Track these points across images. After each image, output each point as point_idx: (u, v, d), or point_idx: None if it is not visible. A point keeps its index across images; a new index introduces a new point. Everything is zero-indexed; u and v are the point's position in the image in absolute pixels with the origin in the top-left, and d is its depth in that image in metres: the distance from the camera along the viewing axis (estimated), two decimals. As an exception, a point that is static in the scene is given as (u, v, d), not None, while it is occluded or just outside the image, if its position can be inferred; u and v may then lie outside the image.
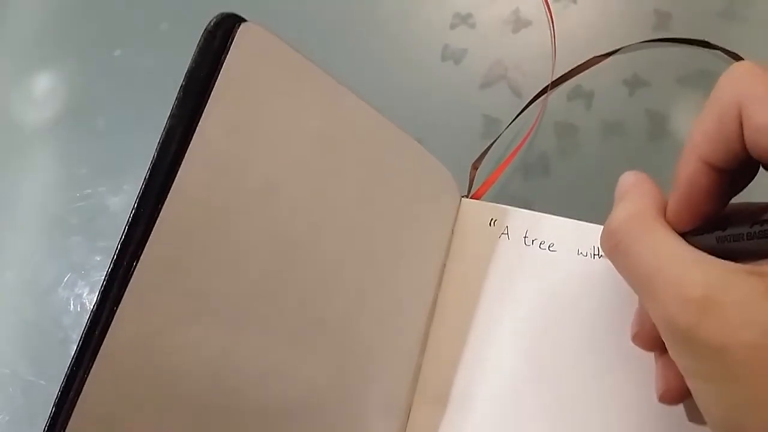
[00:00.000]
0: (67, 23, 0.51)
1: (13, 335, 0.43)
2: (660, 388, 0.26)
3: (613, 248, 0.24)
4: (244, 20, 0.22)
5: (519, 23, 0.43)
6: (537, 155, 0.39)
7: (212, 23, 0.22)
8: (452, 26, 0.44)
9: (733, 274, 0.20)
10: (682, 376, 0.22)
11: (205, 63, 0.22)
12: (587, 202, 0.34)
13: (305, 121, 0.25)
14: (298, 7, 0.47)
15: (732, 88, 0.21)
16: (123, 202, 0.45)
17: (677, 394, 0.25)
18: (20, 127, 0.49)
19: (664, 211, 0.24)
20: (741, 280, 0.20)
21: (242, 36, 0.22)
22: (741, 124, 0.21)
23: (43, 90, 0.50)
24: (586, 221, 0.34)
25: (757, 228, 0.21)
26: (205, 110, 0.22)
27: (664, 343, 0.23)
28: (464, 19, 0.44)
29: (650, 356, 0.29)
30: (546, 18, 0.43)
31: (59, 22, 0.52)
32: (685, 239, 0.22)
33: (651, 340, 0.26)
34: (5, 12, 0.53)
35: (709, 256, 0.21)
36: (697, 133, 0.22)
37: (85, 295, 0.43)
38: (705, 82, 0.39)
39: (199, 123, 0.22)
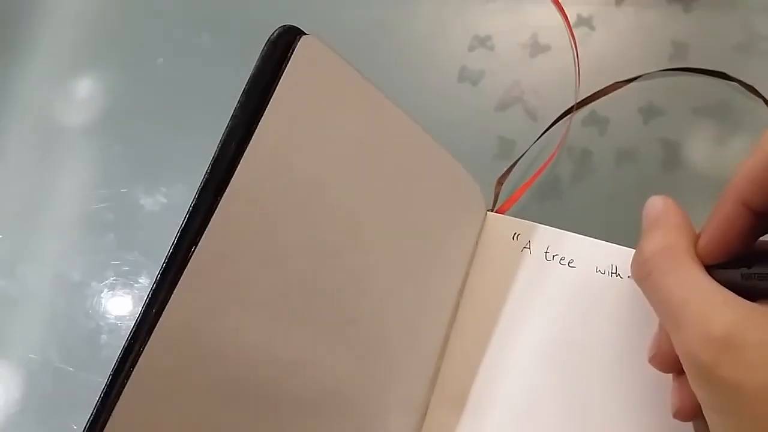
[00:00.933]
0: (111, 29, 0.54)
1: (45, 325, 0.45)
2: (674, 405, 0.27)
3: (644, 278, 0.25)
4: (304, 33, 0.24)
5: (537, 48, 0.44)
6: (551, 178, 0.41)
7: (275, 34, 0.24)
8: (471, 48, 0.45)
9: (757, 315, 0.21)
10: (695, 397, 0.23)
11: (267, 70, 0.24)
12: (597, 227, 0.36)
13: (351, 128, 0.26)
14: (321, 26, 0.49)
15: None
16: (158, 202, 0.47)
17: (691, 412, 0.27)
18: (61, 128, 0.51)
19: (694, 244, 0.25)
20: (762, 321, 0.21)
21: (302, 47, 0.24)
22: None
23: (85, 92, 0.52)
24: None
25: None
26: (264, 114, 0.23)
27: (679, 365, 0.24)
28: (483, 42, 0.45)
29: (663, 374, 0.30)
30: (564, 44, 0.44)
31: (104, 27, 0.54)
32: (710, 272, 0.24)
33: (667, 362, 0.27)
34: (53, 12, 0.55)
35: (736, 296, 0.22)
36: (741, 176, 0.24)
37: (117, 288, 0.45)
38: (720, 113, 0.41)
39: (258, 125, 0.23)
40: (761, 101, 0.40)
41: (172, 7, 0.52)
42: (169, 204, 0.46)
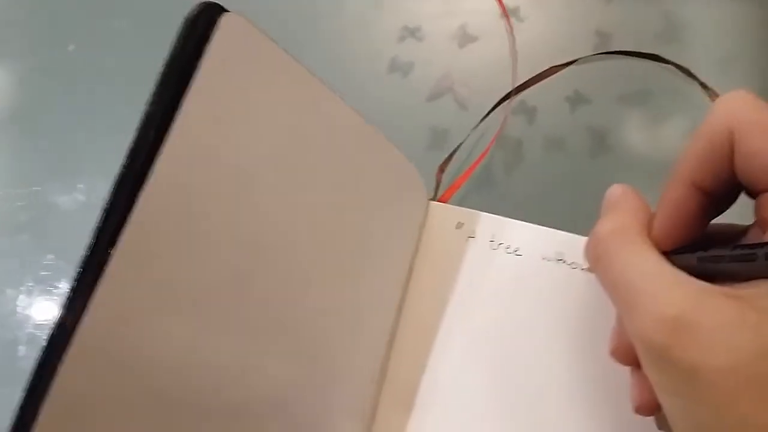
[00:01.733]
0: (14, 15, 0.50)
1: (-45, 338, 0.41)
2: (635, 399, 0.26)
3: (595, 260, 0.25)
4: (226, 10, 0.22)
5: (465, 38, 0.44)
6: (485, 167, 0.40)
7: (194, 12, 0.22)
8: (400, 39, 0.45)
9: (710, 296, 0.20)
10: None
11: (186, 51, 0.21)
12: (535, 215, 0.35)
13: (282, 114, 0.24)
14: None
15: (725, 113, 0.22)
16: (73, 200, 0.44)
17: (653, 406, 0.26)
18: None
19: (648, 228, 0.24)
20: (717, 302, 0.20)
21: (225, 26, 0.22)
22: (732, 149, 0.22)
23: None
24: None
25: (738, 251, 0.21)
26: (185, 98, 0.21)
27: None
28: (412, 32, 0.45)
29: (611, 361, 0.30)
30: (492, 34, 0.44)
31: (5, 13, 0.50)
32: (666, 258, 0.23)
33: (629, 355, 0.27)
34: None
35: (689, 277, 0.21)
36: (688, 155, 0.23)
37: (34, 295, 0.42)
38: (644, 99, 0.41)
39: (179, 111, 0.21)
40: (695, 83, 0.40)
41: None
42: (87, 202, 0.43)
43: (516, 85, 0.41)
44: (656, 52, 0.41)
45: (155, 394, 0.22)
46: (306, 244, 0.27)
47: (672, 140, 0.40)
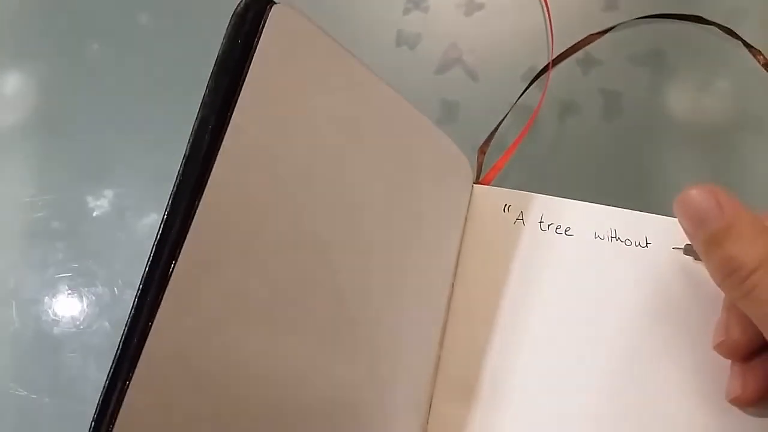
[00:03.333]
0: (34, 16, 0.49)
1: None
2: (734, 391, 0.27)
3: (745, 294, 0.24)
4: (274, 2, 0.21)
5: (472, 6, 0.43)
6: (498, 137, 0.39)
7: (241, 5, 0.21)
8: (405, 11, 0.44)
9: None
10: (759, 385, 0.24)
11: (236, 49, 0.20)
12: (574, 189, 0.34)
13: (338, 107, 0.23)
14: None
15: None
16: (107, 204, 0.43)
17: (752, 400, 0.27)
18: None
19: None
20: None
21: (274, 18, 0.21)
22: None
23: (13, 89, 0.47)
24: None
25: None
26: (239, 99, 0.20)
27: (746, 353, 0.25)
28: (417, 4, 0.44)
29: (684, 336, 0.29)
30: (497, 1, 0.43)
31: (25, 16, 0.49)
32: None
33: (735, 350, 0.27)
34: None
35: None
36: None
37: (73, 302, 0.41)
38: (656, 60, 0.40)
39: (234, 112, 0.20)
40: (739, 42, 0.39)
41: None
42: (119, 205, 0.42)
43: (552, 57, 0.40)
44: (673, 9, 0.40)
45: (229, 408, 0.22)
46: (366, 241, 0.26)
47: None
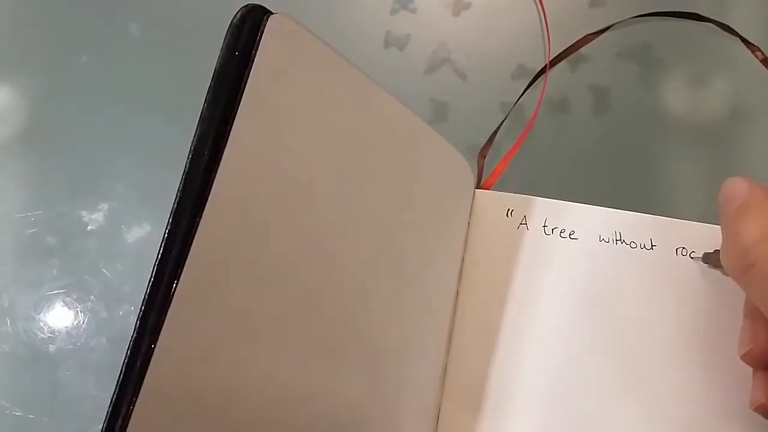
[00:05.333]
0: (21, 30, 0.48)
1: (-7, 368, 0.40)
2: (759, 399, 0.26)
3: (745, 270, 0.23)
4: (271, 12, 0.20)
5: (459, 5, 0.43)
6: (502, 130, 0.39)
7: (238, 16, 0.20)
8: (393, 12, 0.43)
9: None
10: None
11: (234, 60, 0.20)
12: (574, 191, 0.34)
13: (339, 118, 0.23)
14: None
15: None
16: (101, 218, 0.42)
17: None
18: (-21, 146, 0.45)
19: None
20: None
21: (272, 29, 0.20)
22: None
23: (3, 104, 0.46)
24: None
25: None
26: (238, 112, 0.20)
27: None
28: (404, 5, 0.43)
29: (691, 341, 0.28)
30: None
31: (12, 29, 0.48)
32: None
33: (763, 358, 0.26)
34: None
35: None
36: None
37: (69, 318, 0.40)
38: (652, 57, 0.40)
39: (233, 126, 0.20)
40: (736, 39, 0.39)
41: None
42: (113, 219, 0.42)
43: (551, 58, 0.39)
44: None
45: (236, 426, 0.21)
46: (370, 251, 0.25)
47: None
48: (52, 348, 0.40)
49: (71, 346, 0.40)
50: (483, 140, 0.38)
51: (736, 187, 0.25)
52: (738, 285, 0.25)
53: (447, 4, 0.43)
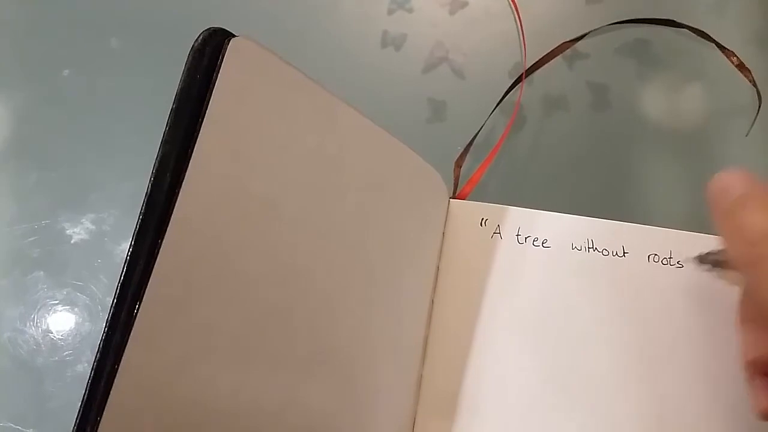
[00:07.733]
0: (2, 43, 0.48)
1: (-21, 382, 0.40)
2: (760, 404, 0.26)
3: (753, 263, 0.23)
4: (232, 35, 0.21)
5: (455, 4, 0.43)
6: (485, 135, 0.39)
7: (199, 40, 0.20)
8: (390, 12, 0.44)
9: None
10: None
11: (195, 83, 0.20)
12: (549, 200, 0.35)
13: (302, 136, 0.23)
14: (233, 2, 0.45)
15: None
16: (85, 232, 0.42)
17: None
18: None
19: None
20: None
21: (233, 52, 0.21)
22: None
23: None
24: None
25: None
26: (200, 133, 0.20)
27: None
28: (401, 4, 0.44)
29: (661, 347, 0.29)
30: None
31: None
32: None
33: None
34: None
35: None
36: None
37: (54, 331, 0.41)
38: (640, 51, 0.40)
39: (195, 147, 0.20)
40: (712, 45, 0.39)
41: (69, 12, 0.47)
42: (97, 232, 0.42)
43: (527, 67, 0.40)
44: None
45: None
46: (338, 267, 0.26)
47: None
48: (39, 360, 0.40)
49: (57, 359, 0.40)
50: (460, 149, 0.38)
51: (732, 178, 0.24)
52: (746, 278, 0.24)
53: (443, 3, 0.43)
